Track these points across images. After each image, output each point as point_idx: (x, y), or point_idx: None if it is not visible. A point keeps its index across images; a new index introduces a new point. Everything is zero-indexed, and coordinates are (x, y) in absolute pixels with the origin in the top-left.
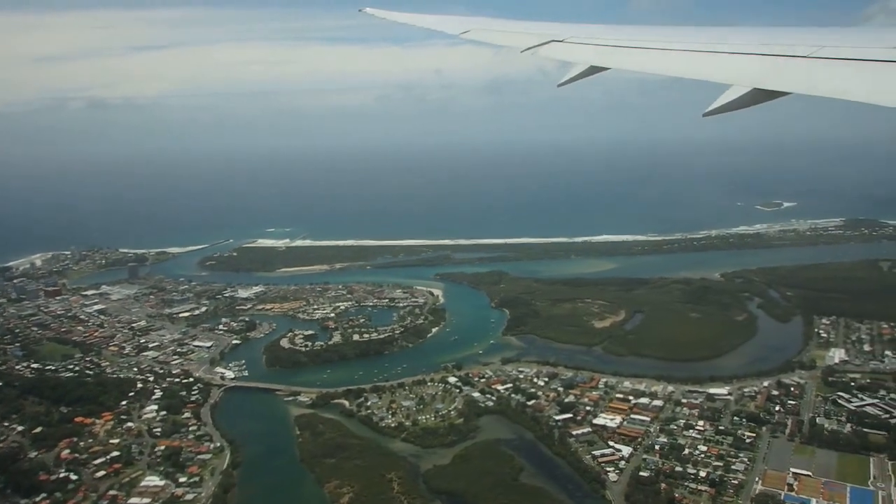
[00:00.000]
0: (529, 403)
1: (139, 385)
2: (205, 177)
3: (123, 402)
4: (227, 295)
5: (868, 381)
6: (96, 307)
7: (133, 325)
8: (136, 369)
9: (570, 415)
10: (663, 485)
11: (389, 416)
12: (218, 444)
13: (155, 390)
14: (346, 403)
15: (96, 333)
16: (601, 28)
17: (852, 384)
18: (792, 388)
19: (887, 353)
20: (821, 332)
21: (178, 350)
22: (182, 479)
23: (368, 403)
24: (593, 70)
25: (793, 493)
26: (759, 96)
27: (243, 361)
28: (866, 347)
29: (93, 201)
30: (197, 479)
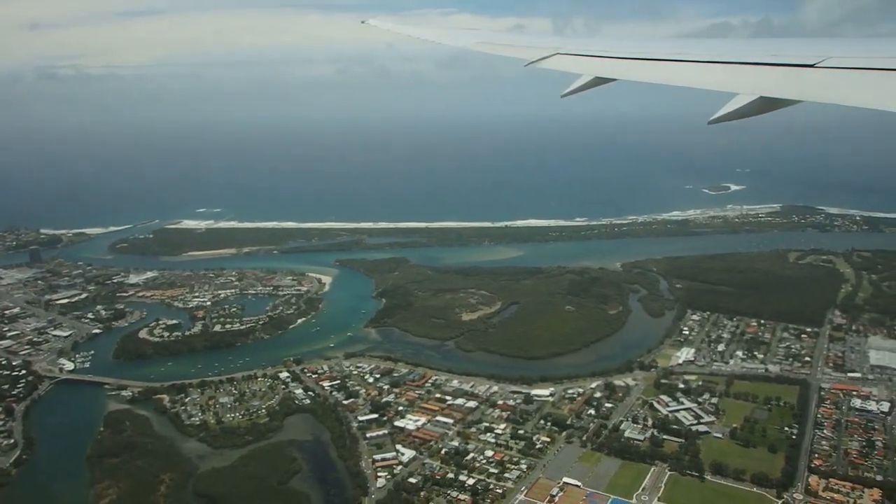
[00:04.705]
0: (345, 402)
1: None
2: (164, 149)
3: None
4: (116, 281)
5: (700, 383)
6: None
7: (5, 312)
8: None
9: (376, 415)
10: (422, 493)
11: (199, 414)
12: (12, 441)
13: None
14: (166, 399)
15: None
16: (604, 41)
17: (681, 387)
18: (618, 391)
19: (738, 353)
20: (685, 329)
21: (35, 340)
22: None
23: (187, 400)
24: (598, 81)
25: None
26: (765, 105)
27: (91, 352)
28: (720, 347)
29: (36, 175)
30: None
